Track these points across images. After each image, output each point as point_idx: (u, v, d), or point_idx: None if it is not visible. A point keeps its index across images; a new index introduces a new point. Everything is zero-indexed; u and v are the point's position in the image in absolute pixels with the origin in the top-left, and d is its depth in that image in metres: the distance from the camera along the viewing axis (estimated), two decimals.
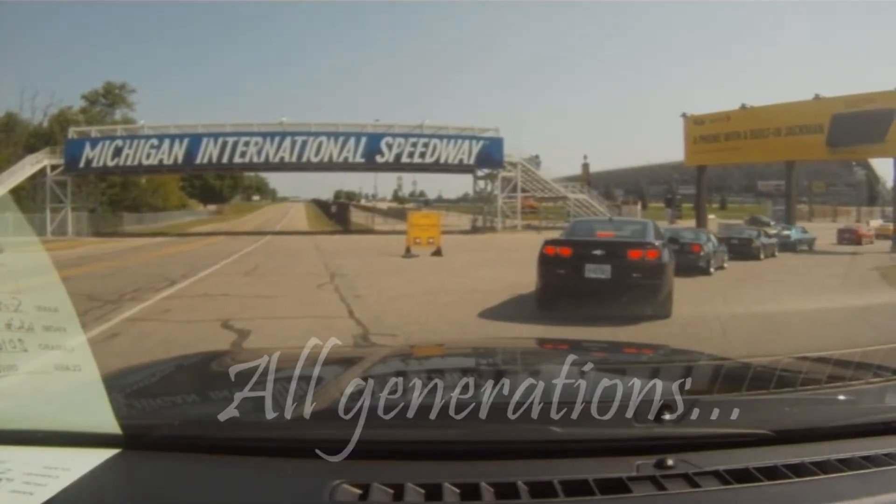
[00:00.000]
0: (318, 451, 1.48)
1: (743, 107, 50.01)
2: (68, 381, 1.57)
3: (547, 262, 12.14)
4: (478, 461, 1.50)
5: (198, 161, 52.64)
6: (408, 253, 27.06)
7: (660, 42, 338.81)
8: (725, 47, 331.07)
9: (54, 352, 1.57)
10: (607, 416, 1.65)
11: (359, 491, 1.34)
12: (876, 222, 61.92)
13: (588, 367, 2.40)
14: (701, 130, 52.38)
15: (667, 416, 1.63)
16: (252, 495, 1.38)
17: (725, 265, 23.95)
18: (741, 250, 28.09)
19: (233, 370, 2.34)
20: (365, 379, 2.22)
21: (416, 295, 14.99)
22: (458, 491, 1.35)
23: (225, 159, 52.48)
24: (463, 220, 64.58)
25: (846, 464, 1.50)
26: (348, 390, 2.04)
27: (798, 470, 1.46)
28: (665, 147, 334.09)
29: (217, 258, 25.44)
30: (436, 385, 2.18)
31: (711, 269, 21.80)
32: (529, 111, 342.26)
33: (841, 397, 2.02)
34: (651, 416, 1.63)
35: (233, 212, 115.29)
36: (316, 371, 2.29)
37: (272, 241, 39.92)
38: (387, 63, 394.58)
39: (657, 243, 12.01)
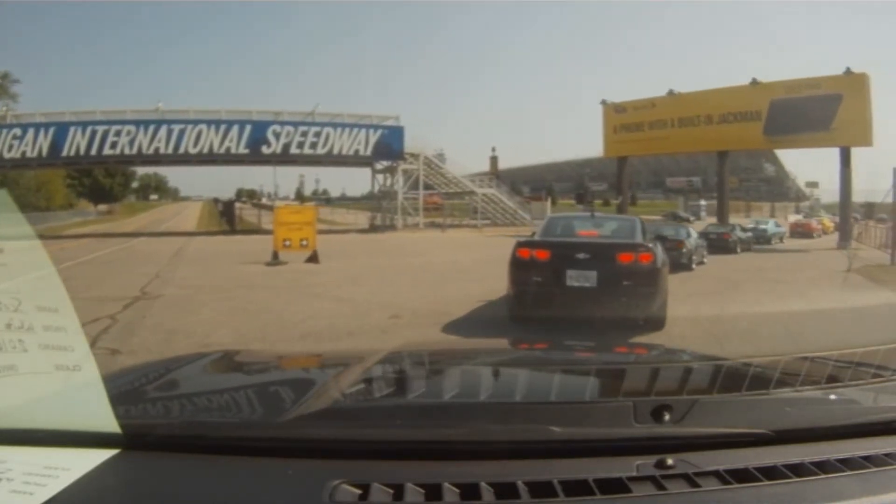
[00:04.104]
0: (317, 451, 1.52)
1: (670, 92, 46.56)
2: (68, 381, 1.56)
3: (520, 268, 10.74)
4: (478, 461, 1.52)
5: (64, 153, 46.41)
6: (274, 259, 22.45)
7: (570, 34, 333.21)
8: (644, 38, 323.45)
9: (54, 352, 1.56)
10: (607, 416, 1.69)
11: (359, 491, 1.35)
12: (794, 217, 62.10)
13: (587, 367, 2.43)
14: (622, 119, 48.80)
15: (667, 416, 1.64)
16: (252, 495, 1.39)
17: (705, 260, 24.38)
18: (719, 245, 29.82)
19: (233, 370, 2.41)
20: (365, 379, 2.17)
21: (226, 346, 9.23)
22: (457, 491, 1.36)
23: (94, 151, 46.44)
24: (363, 218, 61.63)
25: (846, 464, 1.52)
26: (348, 390, 2.02)
27: (798, 470, 1.48)
28: (573, 144, 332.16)
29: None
30: (435, 385, 2.14)
31: (693, 266, 22.41)
32: (434, 107, 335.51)
33: (841, 397, 2.04)
34: (651, 416, 1.64)
35: (126, 212, 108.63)
36: (316, 371, 2.33)
37: (136, 245, 34.86)
38: (276, 45, 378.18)
39: (650, 244, 10.85)
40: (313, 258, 22.11)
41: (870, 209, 37.56)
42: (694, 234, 24.20)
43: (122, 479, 1.44)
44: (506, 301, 11.30)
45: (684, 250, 21.74)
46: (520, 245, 10.86)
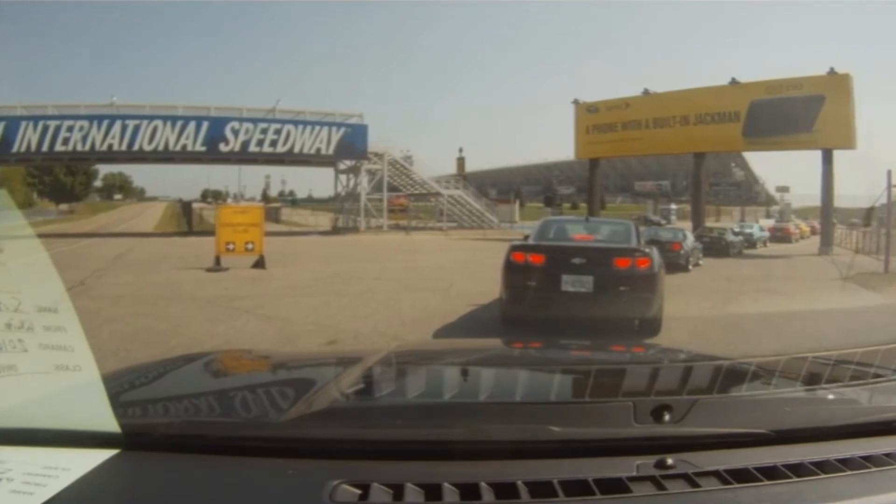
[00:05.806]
0: (317, 451, 1.52)
1: (646, 92, 45.47)
2: (68, 381, 1.56)
3: (514, 272, 10.40)
4: (478, 461, 1.52)
5: (15, 149, 44.28)
6: (216, 265, 20.24)
7: (540, 32, 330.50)
8: (618, 35, 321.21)
9: (54, 352, 1.55)
10: (607, 416, 1.69)
11: (359, 491, 1.35)
12: (765, 221, 62.05)
13: (587, 367, 2.39)
14: (595, 119, 47.41)
15: (667, 416, 1.64)
16: (252, 495, 1.40)
17: (701, 262, 25.36)
18: (713, 247, 31.05)
19: (233, 370, 2.39)
20: (365, 379, 2.17)
21: None
22: (457, 491, 1.36)
23: (45, 147, 44.71)
24: (327, 219, 59.98)
25: (846, 464, 1.52)
26: (348, 390, 2.01)
27: (798, 470, 1.48)
28: (542, 147, 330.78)
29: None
30: (435, 385, 2.12)
31: (690, 267, 23.82)
32: (400, 107, 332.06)
33: (841, 397, 2.03)
34: (651, 416, 1.65)
35: (88, 212, 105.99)
36: (316, 371, 2.32)
37: (83, 247, 31.69)
38: (237, 39, 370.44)
39: (647, 249, 10.71)
40: (259, 264, 20.39)
41: (868, 214, 36.63)
42: (690, 237, 25.58)
43: (122, 479, 1.44)
44: (498, 305, 11.05)
45: (681, 252, 23.28)
46: (514, 249, 10.75)
